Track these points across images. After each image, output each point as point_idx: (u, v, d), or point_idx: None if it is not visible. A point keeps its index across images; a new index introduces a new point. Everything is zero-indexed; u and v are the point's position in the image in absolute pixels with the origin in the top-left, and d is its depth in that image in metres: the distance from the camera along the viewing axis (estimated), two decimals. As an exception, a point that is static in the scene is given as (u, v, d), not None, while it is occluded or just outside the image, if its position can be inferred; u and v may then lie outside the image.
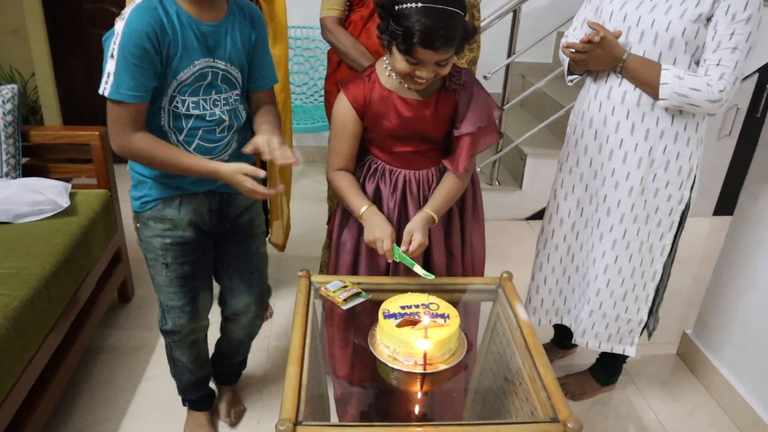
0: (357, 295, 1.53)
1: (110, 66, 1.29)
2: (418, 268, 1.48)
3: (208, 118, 1.44)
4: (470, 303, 1.65)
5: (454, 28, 1.32)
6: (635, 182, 1.71)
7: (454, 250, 1.70)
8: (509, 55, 3.01)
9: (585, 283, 1.91)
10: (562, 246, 1.94)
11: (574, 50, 1.66)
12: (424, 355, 1.30)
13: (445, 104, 1.52)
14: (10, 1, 3.38)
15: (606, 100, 1.72)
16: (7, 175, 2.10)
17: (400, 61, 1.38)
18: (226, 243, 1.67)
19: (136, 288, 2.58)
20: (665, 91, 1.58)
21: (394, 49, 1.37)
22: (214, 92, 1.43)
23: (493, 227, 3.33)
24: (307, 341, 1.37)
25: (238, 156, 1.51)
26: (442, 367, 1.32)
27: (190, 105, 1.40)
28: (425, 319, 1.31)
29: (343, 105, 1.52)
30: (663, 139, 1.67)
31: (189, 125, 1.42)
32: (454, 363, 1.34)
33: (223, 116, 1.46)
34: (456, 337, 1.36)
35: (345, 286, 1.55)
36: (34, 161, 2.29)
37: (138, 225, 1.57)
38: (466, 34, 1.37)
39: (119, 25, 1.29)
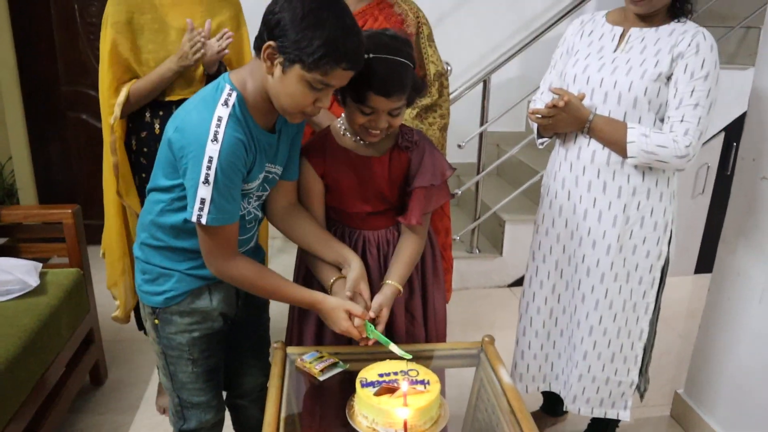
0: (334, 365, 1.47)
1: (204, 192, 1.23)
2: (393, 347, 1.42)
3: (247, 219, 1.43)
4: (441, 369, 1.60)
5: (405, 77, 1.37)
6: (612, 240, 1.71)
7: (415, 312, 1.67)
8: (482, 124, 3.07)
9: (571, 346, 1.87)
10: (543, 309, 1.91)
11: (540, 116, 1.70)
12: (405, 424, 1.23)
13: (399, 162, 1.53)
14: (-10, 87, 3.42)
15: (576, 161, 1.74)
16: (-26, 256, 2.05)
17: (355, 113, 1.41)
18: (242, 321, 1.60)
19: (109, 370, 2.47)
20: (633, 149, 1.61)
21: (349, 100, 1.40)
22: (254, 193, 1.41)
23: (474, 295, 3.29)
24: (282, 415, 1.31)
25: (254, 248, 1.54)
26: (424, 436, 1.26)
27: None
28: (404, 386, 1.26)
29: (305, 168, 1.53)
30: (636, 195, 1.68)
31: None
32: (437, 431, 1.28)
33: (258, 213, 1.47)
34: (437, 404, 1.30)
35: (321, 357, 1.50)
36: (6, 241, 2.24)
37: (157, 321, 1.45)
38: (416, 85, 1.42)
39: (213, 147, 1.22)
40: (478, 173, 3.16)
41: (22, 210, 2.22)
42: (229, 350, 1.64)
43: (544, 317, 1.92)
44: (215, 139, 1.22)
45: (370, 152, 1.52)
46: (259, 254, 1.60)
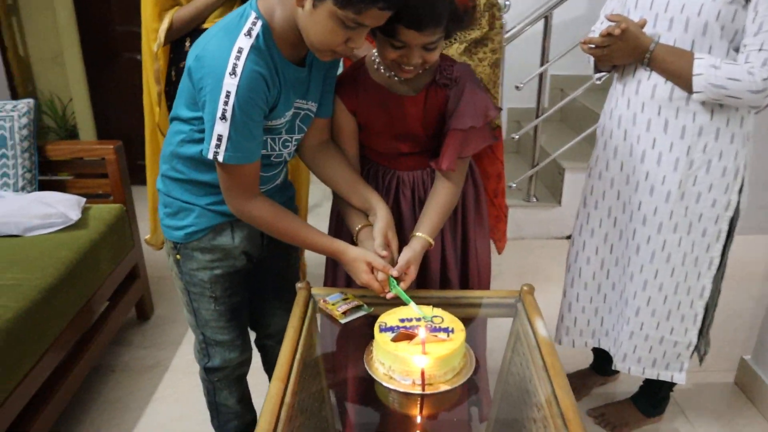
0: (358, 308, 1.40)
1: (221, 128, 1.16)
2: (413, 306, 1.32)
3: (273, 158, 1.35)
4: (480, 319, 1.50)
5: (440, 7, 1.21)
6: (673, 186, 1.53)
7: (451, 258, 1.55)
8: (542, 65, 2.86)
9: (623, 301, 1.72)
10: (594, 259, 1.77)
11: (593, 46, 1.52)
12: (422, 374, 1.15)
13: (435, 100, 1.39)
14: (50, 29, 3.47)
15: (634, 96, 1.56)
16: (22, 189, 2.08)
17: (385, 47, 1.28)
18: (266, 265, 1.55)
19: (155, 306, 2.52)
20: (699, 82, 1.41)
21: (379, 34, 1.27)
22: (285, 133, 1.32)
23: (531, 246, 3.15)
24: (297, 357, 1.26)
25: (281, 186, 1.47)
26: (444, 387, 1.17)
27: None
28: (421, 333, 1.17)
29: (336, 104, 1.42)
30: (702, 136, 1.49)
31: None
32: (459, 383, 1.19)
33: (287, 157, 1.39)
34: (460, 354, 1.21)
35: (346, 299, 1.43)
36: (52, 176, 2.28)
37: (178, 257, 1.42)
38: (456, 15, 1.25)
39: (230, 81, 1.13)
40: (536, 117, 2.96)
41: (67, 146, 2.24)
42: (254, 290, 1.60)
43: (594, 268, 1.77)
44: (233, 72, 1.13)
45: (405, 89, 1.38)
46: (286, 192, 1.52)
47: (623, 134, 1.61)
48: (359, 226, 1.40)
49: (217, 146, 1.18)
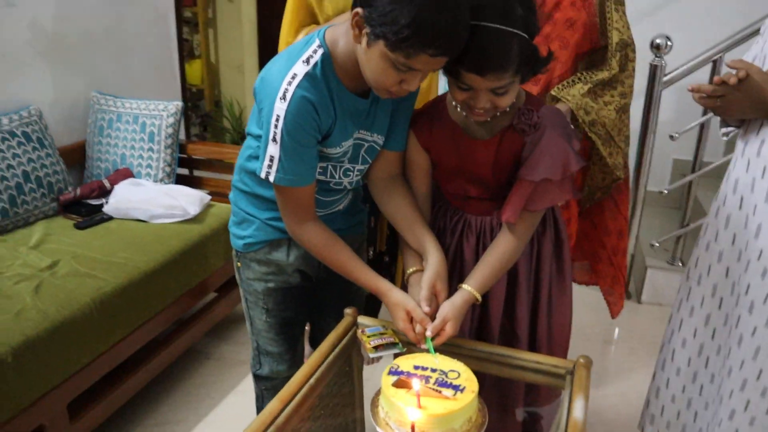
0: (392, 345, 1.34)
1: (272, 150, 1.19)
2: (435, 356, 1.22)
3: (332, 185, 1.35)
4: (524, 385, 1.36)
5: (508, 50, 1.08)
6: (792, 273, 1.26)
7: (520, 315, 1.42)
8: (704, 114, 2.52)
9: (719, 398, 1.44)
10: (691, 343, 1.50)
11: (705, 95, 1.30)
12: (412, 427, 1.07)
13: (510, 146, 1.27)
14: (237, 41, 3.87)
15: (755, 158, 1.30)
16: (161, 180, 2.34)
17: (453, 88, 1.20)
18: (327, 285, 1.56)
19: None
20: (837, 149, 1.14)
21: (448, 75, 1.21)
22: (347, 162, 1.32)
23: (667, 313, 2.78)
24: (311, 381, 1.24)
25: (349, 206, 1.46)
26: (438, 449, 1.08)
27: (318, 170, 1.30)
28: (415, 384, 1.09)
29: (410, 138, 1.37)
30: (837, 217, 1.20)
31: None
32: (456, 450, 1.08)
33: (348, 186, 1.38)
34: (462, 418, 1.10)
35: (384, 333, 1.38)
36: (189, 172, 2.52)
37: (239, 265, 1.48)
38: (528, 59, 1.12)
39: (280, 106, 1.16)
40: (693, 171, 2.62)
41: (204, 146, 2.47)
42: (315, 309, 1.61)
43: (690, 353, 1.51)
44: (284, 97, 1.15)
45: (481, 132, 1.29)
46: (352, 217, 1.51)
47: (738, 201, 1.35)
48: (412, 269, 1.34)
49: (269, 167, 1.21)
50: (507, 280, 1.40)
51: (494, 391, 1.48)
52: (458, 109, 1.28)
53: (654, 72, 2.51)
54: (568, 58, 1.73)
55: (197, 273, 2.13)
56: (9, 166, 2.01)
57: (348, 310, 1.43)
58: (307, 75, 1.16)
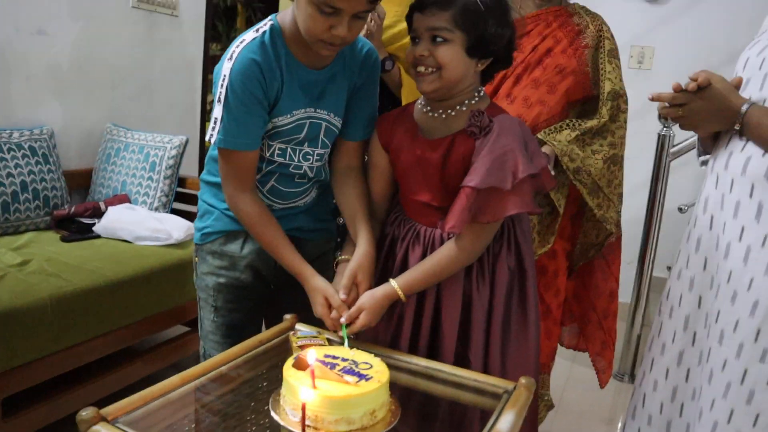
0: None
1: (218, 111, 1.20)
2: (347, 348, 1.16)
3: (291, 169, 1.34)
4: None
5: None
6: (763, 296, 1.12)
7: (474, 340, 1.30)
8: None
9: (692, 448, 1.26)
10: (663, 386, 1.33)
11: (667, 104, 1.24)
12: (303, 408, 0.96)
13: (460, 148, 1.22)
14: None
15: (723, 172, 1.21)
16: (156, 209, 2.37)
17: (409, 49, 1.22)
18: (283, 293, 1.51)
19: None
20: (804, 152, 1.05)
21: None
22: (307, 145, 1.32)
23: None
24: (222, 368, 1.16)
25: (314, 203, 1.44)
26: (328, 437, 0.96)
27: (276, 152, 1.31)
28: (310, 357, 0.99)
29: (372, 137, 1.37)
30: (810, 231, 1.08)
31: (267, 169, 1.34)
32: (349, 439, 0.96)
33: (309, 172, 1.37)
34: (362, 408, 0.98)
35: (315, 337, 1.29)
36: (187, 207, 2.55)
37: (197, 259, 1.46)
38: (471, 13, 1.14)
39: (227, 66, 1.19)
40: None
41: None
42: (272, 319, 1.53)
43: (662, 397, 1.33)
44: (231, 57, 1.19)
45: (432, 133, 1.27)
46: (318, 221, 1.46)
47: (709, 221, 1.24)
48: (341, 257, 1.31)
49: (213, 128, 1.22)
50: (462, 301, 1.30)
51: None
52: (424, 111, 1.28)
53: (662, 142, 2.45)
54: (556, 103, 1.71)
55: (171, 296, 2.09)
56: (9, 175, 2.09)
57: (287, 316, 1.36)
58: (254, 40, 1.21)
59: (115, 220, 2.19)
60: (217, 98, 1.20)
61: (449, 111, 1.25)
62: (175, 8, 2.88)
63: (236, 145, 1.22)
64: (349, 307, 1.21)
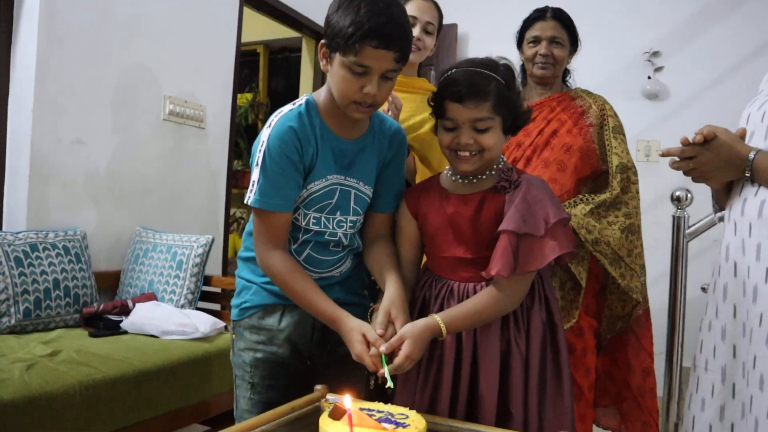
0: None
1: (255, 175, 1.28)
2: (390, 383, 1.16)
3: (326, 237, 1.38)
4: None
5: (483, 84, 1.25)
6: (797, 334, 1.12)
7: (514, 403, 1.28)
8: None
9: None
10: (708, 443, 1.29)
11: (678, 159, 1.30)
12: (337, 453, 0.95)
13: (492, 203, 1.30)
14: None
15: (740, 218, 1.25)
16: (182, 306, 2.41)
17: (442, 134, 1.31)
18: (319, 371, 1.49)
19: None
20: (812, 189, 1.09)
21: (437, 120, 1.32)
22: (339, 213, 1.37)
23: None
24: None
25: (349, 275, 1.45)
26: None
27: (312, 220, 1.36)
28: (347, 402, 0.98)
29: (401, 206, 1.44)
30: (834, 267, 1.10)
31: (304, 237, 1.38)
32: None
33: (344, 239, 1.40)
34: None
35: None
36: (212, 306, 2.58)
37: (233, 336, 1.46)
38: (505, 101, 1.26)
39: (265, 132, 1.29)
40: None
41: (228, 279, 2.56)
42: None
43: (708, 459, 1.28)
44: (270, 125, 1.29)
45: (463, 189, 1.35)
46: (356, 294, 1.47)
47: (732, 268, 1.26)
48: (373, 306, 1.32)
49: (251, 190, 1.29)
50: (500, 358, 1.29)
51: None
52: (450, 178, 1.36)
53: (678, 224, 2.49)
54: (567, 179, 1.79)
55: (197, 389, 2.07)
56: (42, 272, 2.16)
57: (318, 386, 1.35)
58: (291, 110, 1.31)
59: (143, 316, 2.22)
60: (255, 163, 1.28)
61: (480, 176, 1.33)
62: (202, 121, 3.08)
63: (270, 206, 1.27)
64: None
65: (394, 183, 1.43)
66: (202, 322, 2.23)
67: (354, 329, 1.23)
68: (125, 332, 2.21)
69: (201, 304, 2.53)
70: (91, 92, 2.54)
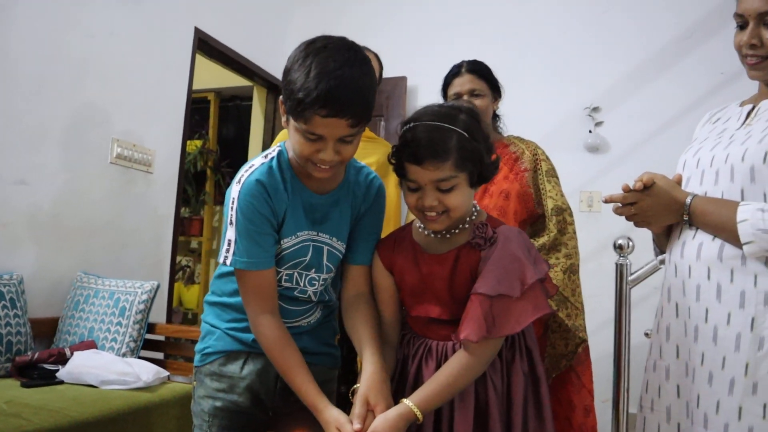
0: None
1: (230, 233, 1.24)
2: None
3: (296, 293, 1.35)
4: None
5: (443, 141, 1.18)
6: (738, 372, 1.16)
7: None
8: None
9: None
10: (657, 484, 1.30)
11: (620, 205, 1.36)
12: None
13: (466, 260, 1.26)
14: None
15: (680, 260, 1.31)
16: (124, 355, 2.30)
17: (406, 194, 1.26)
18: (282, 423, 1.43)
19: None
20: (746, 230, 1.16)
21: (403, 181, 1.27)
22: (314, 271, 1.34)
23: None
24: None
25: (319, 324, 1.41)
26: None
27: (284, 277, 1.33)
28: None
29: (374, 259, 1.38)
30: (769, 305, 1.16)
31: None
32: None
33: (313, 296, 1.37)
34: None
35: None
36: (155, 355, 2.48)
37: (194, 383, 1.41)
38: (470, 155, 1.19)
39: (235, 189, 1.24)
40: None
41: (172, 327, 2.49)
42: None
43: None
44: (239, 181, 1.25)
45: (439, 249, 1.31)
46: (326, 345, 1.43)
47: (674, 309, 1.32)
48: (354, 387, 1.25)
49: (227, 250, 1.24)
50: (479, 408, 1.26)
51: None
52: (422, 231, 1.32)
53: (621, 271, 2.57)
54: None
55: (136, 442, 1.96)
56: (-27, 318, 2.04)
57: None
58: (262, 165, 1.27)
59: (81, 365, 2.11)
60: (228, 221, 1.25)
61: (453, 231, 1.29)
62: (150, 165, 3.03)
63: (250, 264, 1.23)
64: None
65: (371, 234, 1.40)
66: (145, 371, 2.14)
67: (330, 423, 1.17)
68: (61, 382, 2.09)
69: (144, 353, 2.43)
70: (37, 130, 2.47)
